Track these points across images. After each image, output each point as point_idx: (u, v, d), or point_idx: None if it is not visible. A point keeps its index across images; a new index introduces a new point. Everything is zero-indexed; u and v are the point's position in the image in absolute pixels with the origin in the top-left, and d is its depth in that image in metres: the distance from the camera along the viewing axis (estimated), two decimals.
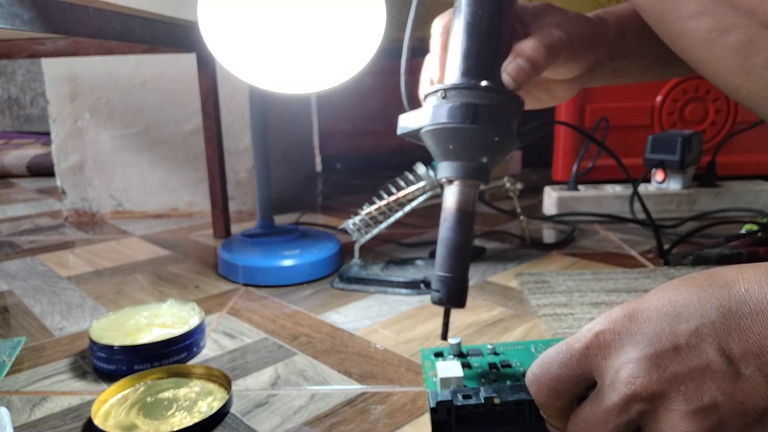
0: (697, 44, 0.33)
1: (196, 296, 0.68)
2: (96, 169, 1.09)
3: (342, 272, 0.69)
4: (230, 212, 1.01)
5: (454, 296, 0.39)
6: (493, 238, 0.87)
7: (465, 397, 0.36)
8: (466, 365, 0.44)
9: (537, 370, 0.31)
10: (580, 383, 0.30)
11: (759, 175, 1.08)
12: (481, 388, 0.36)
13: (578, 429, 0.30)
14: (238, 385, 0.47)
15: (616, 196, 0.96)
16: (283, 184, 1.15)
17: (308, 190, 1.34)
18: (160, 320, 0.54)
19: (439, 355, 0.46)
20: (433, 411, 0.36)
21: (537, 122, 0.72)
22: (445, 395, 0.36)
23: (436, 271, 0.39)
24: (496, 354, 0.45)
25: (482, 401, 0.35)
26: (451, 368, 0.40)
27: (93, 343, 0.50)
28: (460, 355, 0.45)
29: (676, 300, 0.28)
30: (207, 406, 0.43)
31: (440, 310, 0.60)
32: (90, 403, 0.45)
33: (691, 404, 0.26)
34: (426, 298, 0.64)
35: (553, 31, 0.40)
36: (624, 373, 0.27)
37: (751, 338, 0.26)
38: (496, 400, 0.35)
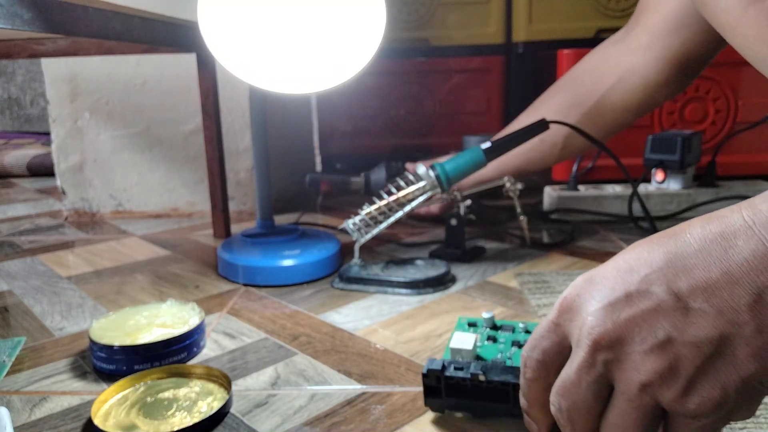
0: (734, 5, 0.36)
1: (196, 296, 0.68)
2: (96, 169, 1.09)
3: (342, 272, 0.69)
4: (230, 212, 1.01)
5: None
6: (493, 238, 0.87)
7: (456, 369, 0.38)
8: (492, 338, 0.45)
9: (527, 348, 0.33)
10: (562, 351, 0.31)
11: (759, 175, 1.08)
12: (472, 364, 0.38)
13: (555, 398, 0.31)
14: (238, 385, 0.47)
15: (616, 196, 0.96)
16: (283, 184, 1.15)
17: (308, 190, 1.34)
18: (160, 320, 0.54)
19: (473, 325, 0.47)
20: (424, 376, 0.39)
21: (536, 122, 0.72)
22: (437, 364, 0.38)
23: None
24: (527, 332, 0.46)
25: (468, 376, 0.38)
26: (464, 340, 0.42)
27: (93, 343, 0.50)
28: (494, 327, 0.46)
29: (629, 257, 0.30)
30: (207, 406, 0.43)
31: (440, 310, 0.61)
32: (90, 403, 0.45)
33: (646, 343, 0.27)
34: (426, 298, 0.64)
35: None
36: (585, 327, 0.29)
37: (696, 274, 0.27)
38: (481, 378, 0.37)
